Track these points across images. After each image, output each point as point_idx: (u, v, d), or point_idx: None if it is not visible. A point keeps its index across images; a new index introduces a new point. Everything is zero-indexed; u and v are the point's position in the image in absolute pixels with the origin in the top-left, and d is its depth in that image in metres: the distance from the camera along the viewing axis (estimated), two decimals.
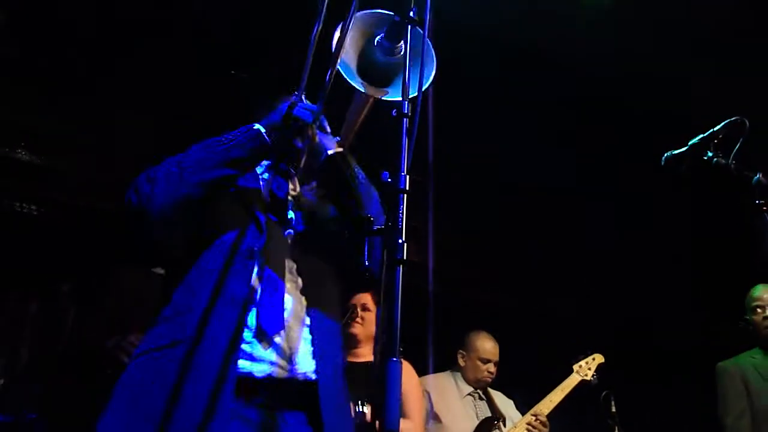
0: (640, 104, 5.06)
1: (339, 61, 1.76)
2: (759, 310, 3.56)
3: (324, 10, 1.74)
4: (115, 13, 3.94)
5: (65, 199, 4.36)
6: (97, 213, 4.30)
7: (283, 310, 1.79)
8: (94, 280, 2.91)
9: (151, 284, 2.90)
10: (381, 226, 1.46)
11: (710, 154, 2.22)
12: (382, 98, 1.85)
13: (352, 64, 1.86)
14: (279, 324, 1.76)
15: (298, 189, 2.05)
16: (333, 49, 1.74)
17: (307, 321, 1.83)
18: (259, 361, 1.72)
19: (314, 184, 2.07)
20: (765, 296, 3.59)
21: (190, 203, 1.77)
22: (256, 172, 2.01)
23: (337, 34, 1.76)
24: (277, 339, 1.76)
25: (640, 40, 4.54)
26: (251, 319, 1.74)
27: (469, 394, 4.06)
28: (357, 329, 3.39)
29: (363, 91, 1.84)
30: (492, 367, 4.07)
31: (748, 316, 3.63)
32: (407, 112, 1.52)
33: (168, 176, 1.75)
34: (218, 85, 4.18)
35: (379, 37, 1.85)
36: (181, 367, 1.61)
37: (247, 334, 1.72)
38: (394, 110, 1.54)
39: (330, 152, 1.90)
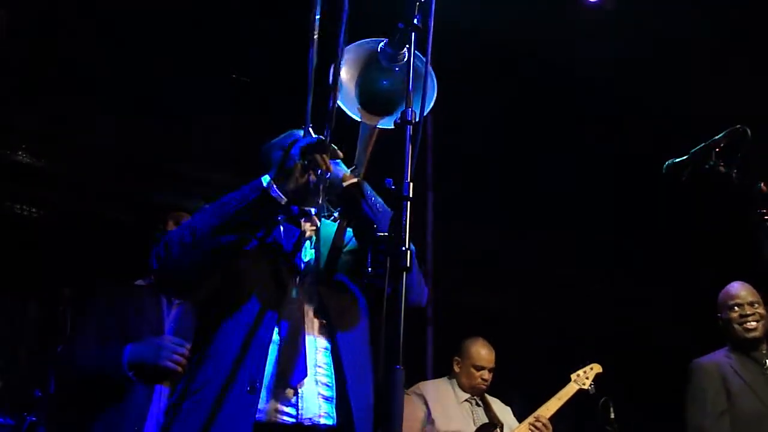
0: (640, 112, 5.07)
1: (338, 97, 1.77)
2: (737, 308, 3.42)
3: (315, 41, 1.74)
4: (118, 14, 3.95)
5: (65, 201, 4.36)
6: (98, 216, 4.30)
7: (305, 359, 1.79)
8: (96, 290, 2.90)
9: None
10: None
11: (712, 162, 2.22)
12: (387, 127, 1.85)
13: (353, 97, 1.87)
14: (302, 374, 1.78)
15: (318, 225, 2.04)
16: (330, 83, 1.76)
17: (327, 363, 1.84)
18: (266, 409, 1.74)
19: (336, 215, 2.08)
20: (742, 294, 3.46)
21: (206, 267, 1.84)
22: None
23: (331, 71, 1.77)
24: (300, 387, 1.77)
25: (641, 47, 4.56)
26: (270, 368, 1.77)
27: (467, 401, 4.05)
28: None
29: (368, 123, 1.85)
30: (486, 374, 4.04)
31: (723, 314, 3.50)
32: (411, 120, 1.53)
33: (182, 245, 1.79)
34: (220, 88, 4.19)
35: (382, 44, 1.85)
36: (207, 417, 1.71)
37: (270, 387, 1.76)
38: (398, 119, 1.54)
39: (345, 184, 1.89)
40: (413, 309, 1.81)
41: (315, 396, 1.79)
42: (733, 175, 2.18)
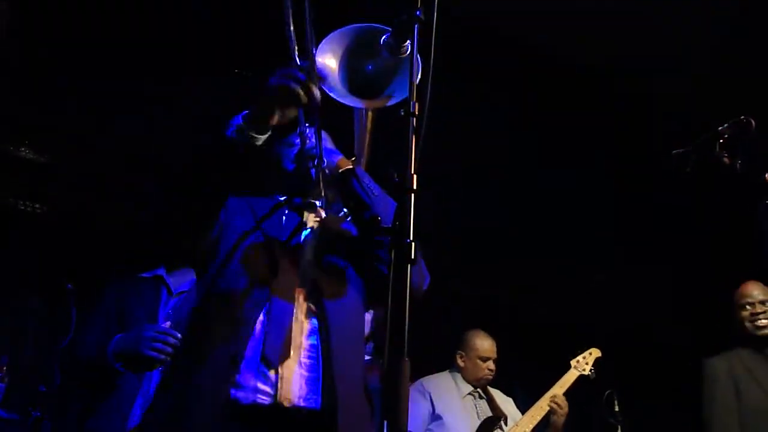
0: (642, 103, 5.06)
1: (327, 85, 1.79)
2: (748, 307, 3.52)
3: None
4: (119, 10, 3.94)
5: (68, 197, 4.37)
6: (101, 211, 4.31)
7: (288, 339, 1.80)
8: (99, 282, 2.93)
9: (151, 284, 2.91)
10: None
11: (716, 153, 2.21)
12: (380, 107, 1.86)
13: (340, 83, 1.86)
14: (284, 355, 1.77)
15: (323, 216, 2.06)
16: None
17: (314, 348, 1.84)
18: (245, 387, 1.73)
19: (345, 211, 2.10)
20: (753, 293, 3.55)
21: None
22: (278, 203, 2.07)
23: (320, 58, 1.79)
24: (281, 368, 1.77)
25: (642, 39, 4.54)
26: (254, 345, 1.77)
27: (470, 394, 4.06)
28: None
29: (360, 107, 1.86)
30: (491, 365, 4.08)
31: (736, 312, 3.59)
32: (414, 111, 1.52)
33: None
34: (222, 84, 4.18)
35: (384, 37, 1.85)
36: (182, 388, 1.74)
37: (251, 364, 1.75)
38: (402, 110, 1.53)
39: (340, 171, 1.93)
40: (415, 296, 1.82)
41: (297, 378, 1.78)
42: (738, 165, 2.18)
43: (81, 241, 4.18)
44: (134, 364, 2.52)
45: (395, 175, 1.48)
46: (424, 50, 1.62)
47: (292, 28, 1.70)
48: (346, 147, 2.08)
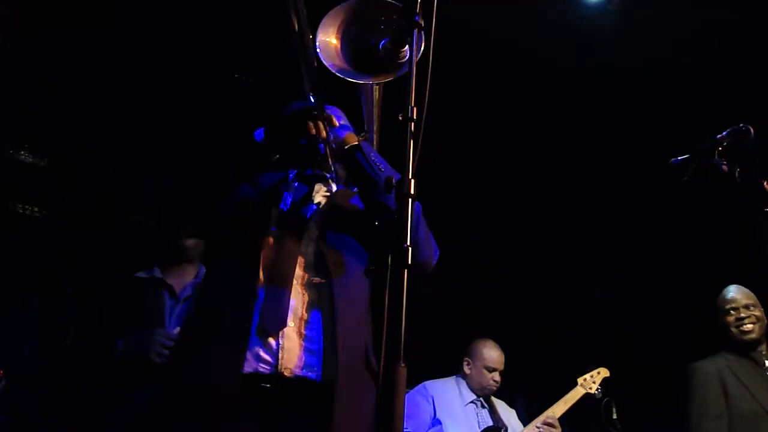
0: (646, 111, 5.07)
1: (331, 65, 1.83)
2: (733, 312, 3.51)
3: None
4: (120, 14, 3.95)
5: (68, 201, 4.36)
6: (100, 215, 4.30)
7: (286, 309, 1.82)
8: (97, 281, 2.94)
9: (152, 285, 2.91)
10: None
11: (714, 160, 2.21)
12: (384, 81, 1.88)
13: (344, 60, 1.87)
14: (281, 322, 1.79)
15: (334, 189, 2.11)
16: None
17: (316, 319, 1.85)
18: (248, 357, 1.76)
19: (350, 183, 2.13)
20: (738, 298, 3.54)
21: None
22: (289, 178, 2.11)
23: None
24: (281, 339, 1.79)
25: (645, 47, 4.56)
26: (253, 318, 1.79)
27: (472, 402, 4.05)
28: None
29: (365, 82, 1.88)
30: (497, 376, 4.07)
31: (720, 318, 3.58)
32: (413, 116, 1.52)
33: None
34: (221, 88, 4.19)
35: (383, 42, 1.85)
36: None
37: (245, 331, 1.78)
38: (400, 115, 1.53)
39: (346, 147, 1.94)
40: (422, 271, 1.90)
41: (297, 348, 1.80)
42: (736, 173, 2.18)
43: (80, 245, 4.17)
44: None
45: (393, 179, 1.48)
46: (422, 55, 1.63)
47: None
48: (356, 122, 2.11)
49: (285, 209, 2.01)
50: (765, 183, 2.14)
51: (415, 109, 1.51)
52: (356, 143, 1.96)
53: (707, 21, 4.30)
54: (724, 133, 2.22)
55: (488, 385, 4.04)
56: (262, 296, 1.82)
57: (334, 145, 1.98)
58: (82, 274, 3.87)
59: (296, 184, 2.08)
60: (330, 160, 2.01)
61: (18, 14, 3.74)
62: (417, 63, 1.63)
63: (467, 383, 4.10)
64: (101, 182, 4.30)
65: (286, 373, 1.77)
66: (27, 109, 4.09)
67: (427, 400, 3.92)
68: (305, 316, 1.85)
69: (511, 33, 4.60)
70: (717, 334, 3.60)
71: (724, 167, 2.19)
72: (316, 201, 2.06)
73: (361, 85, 1.95)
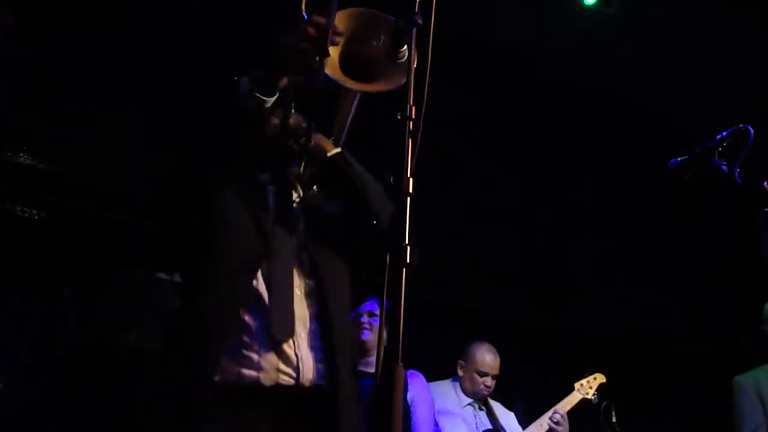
0: (644, 111, 5.07)
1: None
2: None
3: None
4: (120, 14, 3.95)
5: (66, 203, 4.35)
6: (98, 217, 4.29)
7: (292, 316, 1.78)
8: (95, 283, 2.92)
9: (151, 286, 2.91)
10: (388, 219, 1.46)
11: (714, 161, 2.21)
12: (371, 92, 1.86)
13: (339, 68, 1.85)
14: (288, 330, 1.76)
15: (302, 194, 2.04)
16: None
17: (316, 326, 1.83)
18: (266, 369, 1.72)
19: (315, 188, 2.07)
20: None
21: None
22: (261, 183, 2.01)
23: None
24: (285, 346, 1.75)
25: (642, 46, 4.56)
26: (259, 326, 1.75)
27: (469, 404, 4.03)
28: (370, 337, 3.39)
29: (352, 88, 1.86)
30: (489, 381, 4.02)
31: (764, 327, 3.55)
32: (411, 115, 1.51)
33: None
34: (220, 90, 4.18)
35: (382, 42, 1.85)
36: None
37: (254, 342, 1.73)
38: (399, 113, 1.53)
39: (329, 154, 1.91)
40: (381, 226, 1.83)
41: (311, 359, 1.78)
42: (736, 174, 2.17)
43: (79, 248, 4.16)
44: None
45: (392, 180, 1.48)
46: (421, 54, 1.62)
47: None
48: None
49: (271, 216, 1.94)
50: (766, 184, 2.13)
51: (413, 108, 1.51)
52: (339, 150, 1.94)
53: (707, 22, 4.30)
54: (724, 133, 2.21)
55: (479, 389, 4.00)
56: (266, 306, 1.77)
57: (308, 150, 1.93)
58: (81, 275, 3.86)
59: (272, 188, 2.00)
60: (303, 163, 1.94)
61: (18, 14, 3.74)
62: (416, 63, 1.64)
63: (460, 385, 4.08)
64: (101, 183, 4.30)
65: (306, 384, 1.75)
66: (27, 110, 4.09)
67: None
68: (308, 321, 1.83)
69: (510, 34, 4.60)
70: (717, 335, 3.60)
71: (724, 168, 2.18)
72: (295, 206, 2.02)
73: (344, 94, 1.92)
